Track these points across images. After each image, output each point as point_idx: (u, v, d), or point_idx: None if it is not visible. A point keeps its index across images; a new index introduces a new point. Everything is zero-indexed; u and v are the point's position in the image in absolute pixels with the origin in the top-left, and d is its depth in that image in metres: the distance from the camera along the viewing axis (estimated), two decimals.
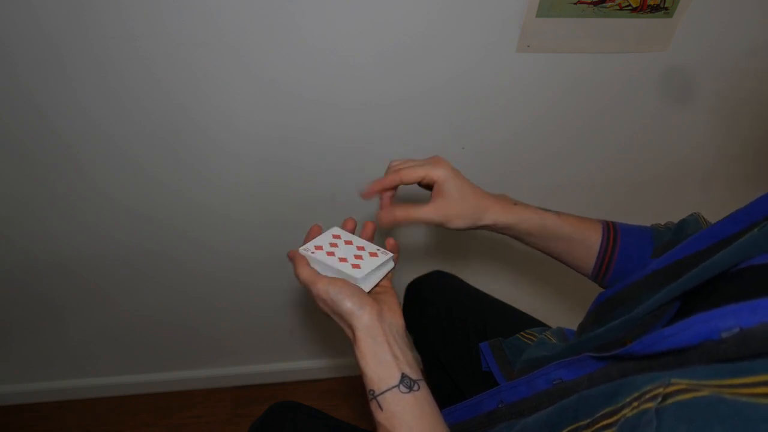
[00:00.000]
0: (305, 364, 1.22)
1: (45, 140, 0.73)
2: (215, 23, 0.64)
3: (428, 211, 0.53)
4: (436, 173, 0.53)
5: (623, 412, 0.30)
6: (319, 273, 0.48)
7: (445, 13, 0.68)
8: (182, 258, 0.93)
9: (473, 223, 0.54)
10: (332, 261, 0.49)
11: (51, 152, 0.74)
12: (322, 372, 1.24)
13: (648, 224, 0.59)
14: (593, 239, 0.56)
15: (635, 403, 0.30)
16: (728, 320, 0.29)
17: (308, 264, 0.49)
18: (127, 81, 0.68)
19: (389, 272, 0.53)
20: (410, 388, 0.42)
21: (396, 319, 0.47)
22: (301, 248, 0.51)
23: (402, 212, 0.52)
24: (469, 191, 0.54)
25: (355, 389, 1.24)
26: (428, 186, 0.55)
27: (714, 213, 0.52)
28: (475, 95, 0.78)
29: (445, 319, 0.73)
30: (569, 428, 0.36)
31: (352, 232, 0.55)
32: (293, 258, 0.50)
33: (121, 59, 0.66)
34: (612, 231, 0.57)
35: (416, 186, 0.56)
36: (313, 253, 0.50)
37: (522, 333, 0.65)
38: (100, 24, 0.62)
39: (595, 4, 0.69)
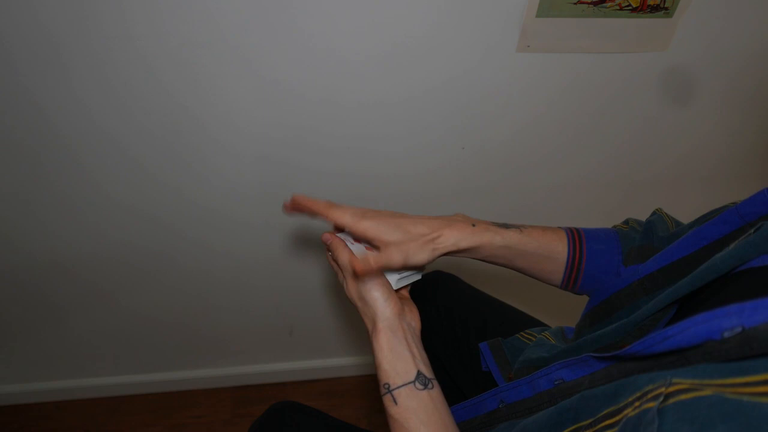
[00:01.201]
0: (305, 364, 1.22)
1: (45, 140, 0.72)
2: (216, 23, 0.64)
3: (391, 252, 0.46)
4: (366, 222, 0.48)
5: (625, 412, 0.30)
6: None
7: (446, 13, 0.68)
8: (182, 258, 0.93)
9: (432, 250, 0.48)
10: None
11: (51, 152, 0.74)
12: (322, 372, 1.24)
13: None
14: (559, 250, 0.53)
15: (637, 403, 0.30)
16: (730, 320, 0.28)
17: (347, 247, 0.49)
18: (128, 81, 0.68)
19: (409, 285, 0.54)
20: (425, 386, 0.43)
21: (415, 321, 0.48)
22: (340, 234, 0.52)
23: (375, 259, 0.45)
24: (406, 218, 0.49)
25: (354, 389, 1.24)
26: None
27: None
28: (475, 95, 0.78)
29: (445, 319, 0.73)
30: (571, 428, 0.36)
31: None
32: (331, 241, 0.50)
33: (122, 59, 0.66)
34: (577, 239, 0.54)
35: None
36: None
37: (521, 333, 0.65)
38: (101, 24, 0.62)
39: (595, 4, 0.69)
